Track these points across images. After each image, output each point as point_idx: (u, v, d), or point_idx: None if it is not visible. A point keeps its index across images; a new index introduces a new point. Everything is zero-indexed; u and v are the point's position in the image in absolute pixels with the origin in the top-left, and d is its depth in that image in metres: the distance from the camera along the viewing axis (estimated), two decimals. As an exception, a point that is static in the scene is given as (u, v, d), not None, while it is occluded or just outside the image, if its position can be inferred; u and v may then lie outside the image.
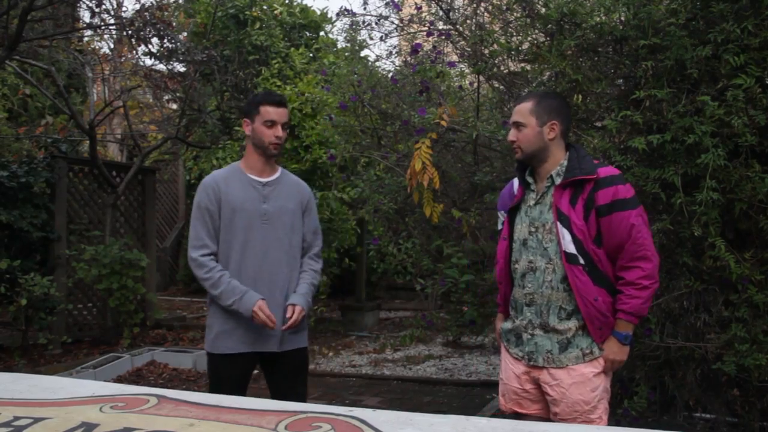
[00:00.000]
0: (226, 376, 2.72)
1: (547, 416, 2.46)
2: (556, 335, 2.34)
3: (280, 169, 2.87)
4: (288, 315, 2.71)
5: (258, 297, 2.63)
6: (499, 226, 2.59)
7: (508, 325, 2.50)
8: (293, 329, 2.73)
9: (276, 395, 2.77)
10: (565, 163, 2.37)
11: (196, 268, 2.70)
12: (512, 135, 2.41)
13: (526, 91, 3.67)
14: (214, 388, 2.71)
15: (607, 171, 2.32)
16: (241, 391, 2.68)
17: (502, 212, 2.57)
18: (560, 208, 2.31)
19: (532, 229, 2.38)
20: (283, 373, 2.79)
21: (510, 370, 2.48)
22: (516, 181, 2.53)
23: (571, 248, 2.28)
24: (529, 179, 2.44)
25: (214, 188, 2.72)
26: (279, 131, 2.74)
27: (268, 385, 2.85)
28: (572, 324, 2.32)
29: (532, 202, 2.41)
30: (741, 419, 3.25)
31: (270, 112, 2.73)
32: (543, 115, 2.36)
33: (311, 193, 2.95)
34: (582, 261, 2.28)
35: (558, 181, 2.34)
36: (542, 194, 2.39)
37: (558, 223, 2.30)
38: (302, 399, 2.80)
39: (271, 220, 2.73)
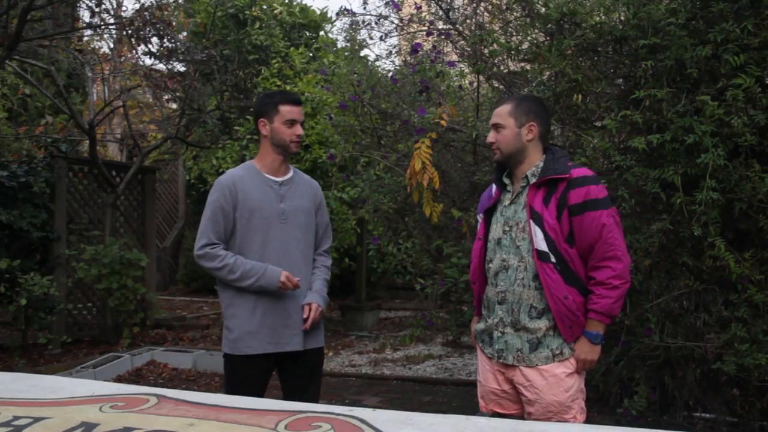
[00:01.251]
0: (247, 377, 2.69)
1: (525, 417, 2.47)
2: (526, 334, 2.35)
3: (292, 168, 2.88)
4: (305, 314, 2.73)
5: (280, 269, 2.63)
6: (478, 227, 2.62)
7: (481, 325, 2.52)
8: (314, 328, 2.75)
9: (290, 394, 2.76)
10: (541, 164, 2.40)
11: (207, 261, 2.66)
12: (491, 137, 2.46)
13: (525, 90, 3.67)
14: (233, 391, 2.66)
15: (580, 172, 2.36)
16: (260, 392, 2.68)
17: (480, 215, 2.59)
18: (533, 207, 2.34)
19: (506, 228, 2.41)
20: (300, 372, 2.78)
21: (487, 371, 2.50)
22: (494, 185, 2.56)
23: (543, 246, 2.31)
24: (506, 180, 2.48)
25: (231, 188, 2.70)
26: (299, 129, 2.76)
27: (282, 384, 2.82)
28: (543, 324, 2.34)
29: (507, 202, 2.45)
30: (741, 419, 3.25)
31: (290, 111, 2.73)
32: (521, 117, 2.40)
33: (322, 192, 2.98)
34: (553, 259, 2.30)
35: (533, 180, 2.37)
36: (517, 194, 2.42)
37: (531, 221, 2.33)
38: (315, 399, 2.80)
39: (288, 219, 2.73)
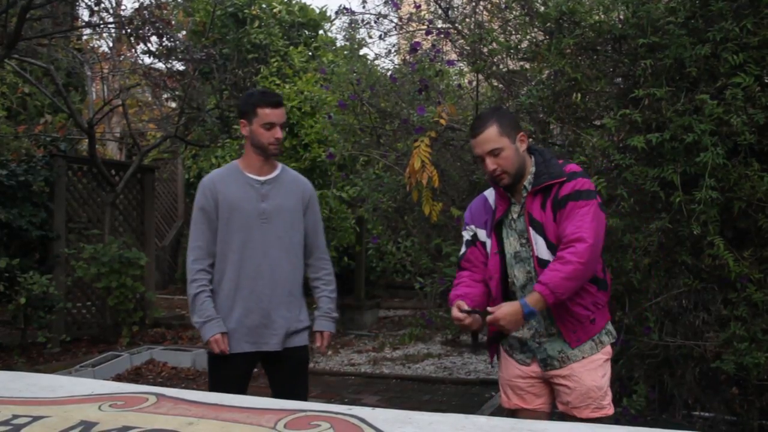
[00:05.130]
0: (227, 376, 2.71)
1: (549, 411, 2.47)
2: (563, 335, 2.34)
3: (280, 166, 2.85)
4: (317, 343, 2.83)
5: (218, 330, 2.63)
6: (467, 237, 2.52)
7: (512, 335, 2.44)
8: (294, 329, 2.75)
9: (278, 394, 2.76)
10: (533, 169, 2.37)
11: (188, 273, 2.72)
12: (491, 164, 2.33)
13: (524, 90, 3.67)
14: (214, 389, 2.70)
15: (571, 168, 2.34)
16: (241, 391, 2.68)
17: (471, 226, 2.51)
18: (532, 214, 2.32)
19: (523, 241, 2.38)
20: (285, 372, 2.79)
21: (513, 366, 2.47)
22: (490, 195, 2.50)
23: (544, 254, 2.29)
24: (508, 194, 2.42)
25: (211, 189, 2.72)
26: (278, 132, 2.72)
27: (270, 384, 2.84)
28: None
29: (515, 215, 2.40)
30: (740, 417, 3.26)
31: (268, 114, 2.70)
32: (510, 132, 2.33)
33: (312, 189, 2.93)
34: None
35: (529, 188, 2.35)
36: (522, 205, 2.38)
37: (530, 229, 2.32)
38: (304, 398, 2.80)
39: (270, 218, 2.72)
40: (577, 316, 2.31)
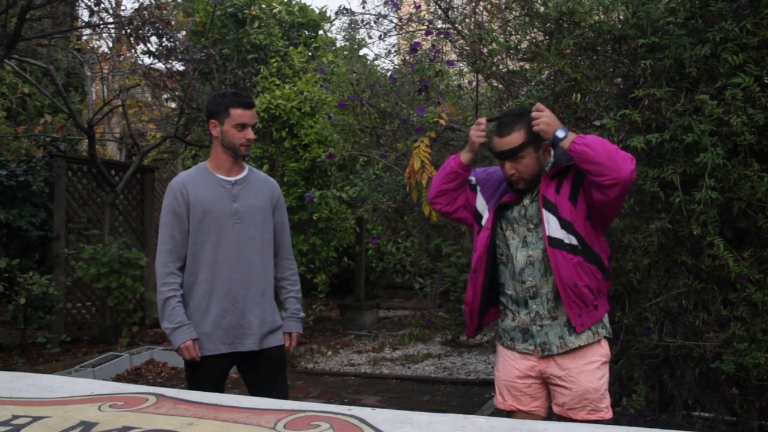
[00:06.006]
0: (205, 379, 2.69)
1: (544, 415, 2.46)
2: (564, 317, 2.36)
3: (247, 167, 2.85)
4: (286, 344, 2.84)
5: (189, 337, 2.62)
6: (472, 181, 2.59)
7: (510, 323, 2.49)
8: (270, 329, 2.76)
9: (257, 395, 2.76)
10: (552, 159, 2.42)
11: (157, 277, 2.69)
12: (510, 168, 2.38)
13: (524, 90, 3.67)
14: (192, 388, 2.68)
15: None
16: (219, 392, 2.68)
17: (475, 182, 2.58)
18: (546, 196, 2.36)
19: (531, 226, 2.41)
20: (263, 373, 2.79)
21: (511, 366, 2.48)
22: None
23: (556, 233, 2.31)
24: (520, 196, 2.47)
25: (182, 191, 2.70)
26: (250, 134, 2.72)
27: (248, 386, 2.83)
28: None
29: (527, 202, 2.44)
30: (740, 418, 3.25)
31: (241, 114, 2.69)
32: (537, 140, 2.36)
33: (280, 190, 2.94)
34: (573, 242, 2.30)
35: (548, 171, 2.40)
36: (537, 191, 2.42)
37: (543, 210, 2.35)
38: (285, 396, 2.80)
39: (242, 218, 2.72)
40: (584, 299, 2.32)
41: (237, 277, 2.69)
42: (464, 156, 2.53)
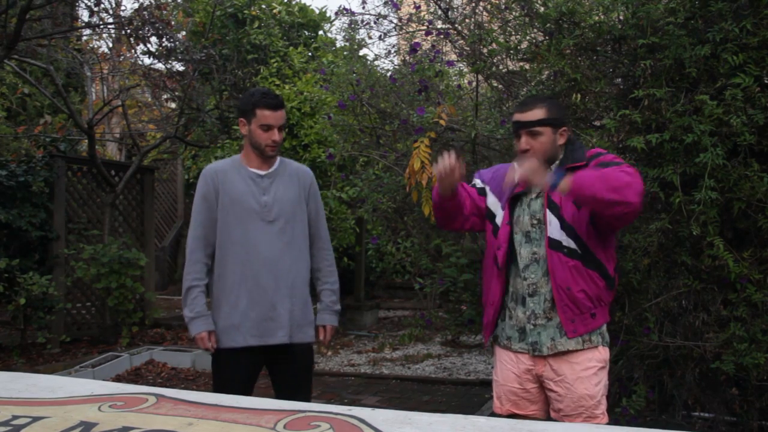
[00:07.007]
0: (232, 374, 2.67)
1: (544, 417, 2.46)
2: (557, 320, 2.35)
3: (279, 159, 2.84)
4: (321, 336, 2.82)
5: (205, 328, 2.64)
6: (478, 184, 2.57)
7: (508, 321, 2.48)
8: (299, 324, 2.73)
9: (282, 393, 2.74)
10: (561, 156, 2.41)
11: (186, 262, 2.73)
12: (525, 143, 2.37)
13: (524, 90, 3.67)
14: (220, 386, 2.66)
15: (592, 151, 2.41)
16: (248, 389, 2.66)
17: (480, 182, 2.57)
18: (551, 197, 2.35)
19: (534, 222, 2.40)
20: (290, 371, 2.77)
21: (509, 370, 2.47)
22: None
23: (556, 234, 2.31)
24: None
25: (213, 177, 2.73)
26: (275, 135, 2.71)
27: (273, 383, 2.81)
28: None
29: (534, 195, 2.43)
30: (740, 418, 3.26)
31: (267, 116, 2.69)
32: (555, 122, 2.38)
33: (313, 178, 2.93)
34: (573, 245, 2.30)
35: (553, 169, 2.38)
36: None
37: (547, 210, 2.34)
38: (308, 398, 2.79)
39: (271, 211, 2.72)
40: (579, 304, 2.31)
41: (265, 269, 2.68)
42: (440, 188, 2.45)
